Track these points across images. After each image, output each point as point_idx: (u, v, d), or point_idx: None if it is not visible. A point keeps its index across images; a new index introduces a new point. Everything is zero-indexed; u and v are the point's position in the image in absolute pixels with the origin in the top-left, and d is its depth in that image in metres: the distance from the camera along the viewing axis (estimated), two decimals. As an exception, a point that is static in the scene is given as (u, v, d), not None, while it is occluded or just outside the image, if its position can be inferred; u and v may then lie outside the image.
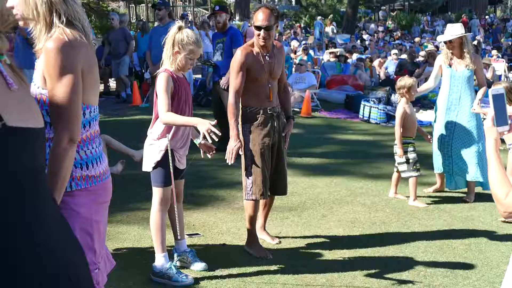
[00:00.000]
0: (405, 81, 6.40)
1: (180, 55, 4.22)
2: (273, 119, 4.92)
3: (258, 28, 4.76)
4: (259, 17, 4.76)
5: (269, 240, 5.27)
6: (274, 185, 5.06)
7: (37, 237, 1.69)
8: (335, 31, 29.44)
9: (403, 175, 6.49)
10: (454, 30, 6.59)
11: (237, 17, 30.30)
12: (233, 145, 4.71)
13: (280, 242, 5.27)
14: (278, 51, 5.01)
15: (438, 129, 6.74)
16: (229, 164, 4.77)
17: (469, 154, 6.56)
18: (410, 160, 6.41)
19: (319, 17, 31.15)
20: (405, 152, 6.41)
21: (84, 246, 2.64)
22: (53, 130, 2.59)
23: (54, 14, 2.57)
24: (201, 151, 4.62)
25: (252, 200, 4.89)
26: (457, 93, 6.62)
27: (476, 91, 6.65)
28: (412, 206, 6.33)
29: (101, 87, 15.12)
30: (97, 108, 2.81)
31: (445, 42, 6.68)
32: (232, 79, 4.81)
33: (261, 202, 5.15)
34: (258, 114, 4.85)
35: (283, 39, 24.23)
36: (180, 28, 4.25)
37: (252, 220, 5.00)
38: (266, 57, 4.86)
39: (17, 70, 1.76)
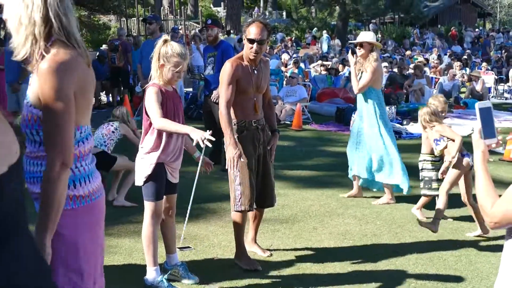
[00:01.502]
0: (433, 99, 6.37)
1: (165, 68, 4.24)
2: (258, 131, 4.94)
3: (252, 41, 4.78)
4: (253, 31, 4.78)
5: (260, 253, 5.27)
6: (262, 198, 5.07)
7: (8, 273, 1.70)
8: (340, 44, 29.69)
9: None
10: (366, 36, 6.84)
11: (232, 31, 30.45)
12: (233, 152, 4.68)
13: (271, 255, 5.28)
14: (264, 65, 5.04)
15: (352, 136, 7.16)
16: (232, 172, 4.76)
17: (367, 160, 6.90)
18: (426, 178, 6.29)
19: (324, 32, 31.55)
20: (421, 170, 6.33)
21: (70, 269, 2.59)
22: (41, 148, 2.56)
23: (50, 31, 2.51)
24: (199, 167, 4.64)
25: (241, 211, 4.89)
26: (360, 101, 6.97)
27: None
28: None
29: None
30: (89, 128, 2.74)
31: (355, 45, 6.90)
32: (223, 91, 4.81)
33: (251, 214, 5.16)
34: (244, 127, 4.88)
35: (274, 52, 24.33)
36: (165, 42, 4.27)
37: (240, 232, 5.00)
38: (254, 70, 4.89)
39: None
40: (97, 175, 2.82)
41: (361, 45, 6.79)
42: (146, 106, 4.26)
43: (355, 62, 6.94)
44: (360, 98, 6.99)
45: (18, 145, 1.82)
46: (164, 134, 4.26)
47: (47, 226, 2.46)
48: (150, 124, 4.26)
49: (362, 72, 6.84)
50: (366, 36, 6.86)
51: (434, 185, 6.25)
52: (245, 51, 4.88)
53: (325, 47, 28.83)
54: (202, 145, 3.96)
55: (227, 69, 4.83)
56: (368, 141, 6.91)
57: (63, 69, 2.46)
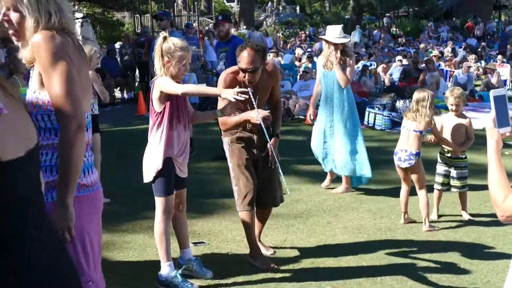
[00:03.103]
0: (447, 92, 6.27)
1: (170, 64, 4.23)
2: (253, 133, 4.84)
3: (244, 70, 4.66)
4: (245, 59, 4.63)
5: (263, 251, 5.16)
6: (262, 198, 5.00)
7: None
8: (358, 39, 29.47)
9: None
10: (339, 33, 6.91)
11: (243, 26, 30.41)
12: (254, 114, 4.44)
13: (275, 252, 5.24)
14: (268, 74, 4.87)
15: (319, 129, 7.26)
16: (268, 123, 4.58)
17: (344, 151, 7.03)
18: (437, 172, 6.27)
19: (357, 26, 31.37)
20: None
21: (78, 256, 2.63)
22: (47, 135, 2.60)
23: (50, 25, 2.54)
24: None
25: (240, 211, 4.89)
26: (331, 91, 7.05)
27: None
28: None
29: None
30: (89, 115, 2.75)
31: (334, 44, 6.88)
32: (220, 103, 4.66)
33: (256, 213, 5.10)
34: (238, 129, 4.82)
35: (288, 47, 24.29)
36: (165, 38, 4.27)
37: (249, 231, 4.94)
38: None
39: (4, 84, 1.75)
40: (95, 170, 2.87)
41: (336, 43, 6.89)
42: (154, 94, 4.27)
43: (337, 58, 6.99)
44: (332, 90, 7.04)
45: (36, 132, 1.85)
46: (167, 128, 4.27)
47: (68, 187, 2.51)
48: (157, 117, 4.28)
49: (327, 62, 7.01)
50: (338, 32, 6.91)
51: (442, 180, 6.23)
52: (241, 76, 4.74)
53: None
54: (239, 98, 4.00)
55: (220, 82, 4.79)
56: (337, 133, 7.07)
57: (56, 38, 2.49)
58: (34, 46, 2.50)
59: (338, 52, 6.85)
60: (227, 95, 4.04)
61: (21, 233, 1.70)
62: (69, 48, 2.54)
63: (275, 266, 4.87)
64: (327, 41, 6.96)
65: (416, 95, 5.94)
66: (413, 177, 5.92)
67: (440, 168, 6.20)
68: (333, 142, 7.12)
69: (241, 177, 4.82)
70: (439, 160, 6.23)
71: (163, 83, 4.21)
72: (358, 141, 7.09)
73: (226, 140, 4.91)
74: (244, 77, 4.69)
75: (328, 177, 7.48)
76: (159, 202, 4.40)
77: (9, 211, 1.66)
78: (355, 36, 29.36)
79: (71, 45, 2.58)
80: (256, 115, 4.36)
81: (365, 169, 7.04)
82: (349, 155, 7.02)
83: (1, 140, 1.62)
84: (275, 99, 5.10)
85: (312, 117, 7.35)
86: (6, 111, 1.65)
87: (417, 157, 5.80)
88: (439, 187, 6.22)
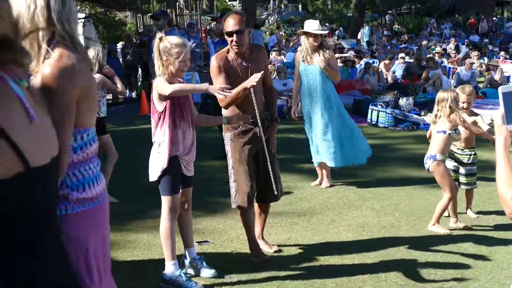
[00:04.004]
0: (458, 90, 6.11)
1: (169, 62, 4.26)
2: (255, 127, 4.83)
3: (230, 33, 4.70)
4: (230, 23, 4.70)
5: (266, 248, 5.18)
6: (263, 193, 5.00)
7: (34, 275, 1.72)
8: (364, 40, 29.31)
9: None
10: (317, 26, 7.03)
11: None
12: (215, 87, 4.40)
13: (279, 250, 5.24)
14: (257, 53, 4.92)
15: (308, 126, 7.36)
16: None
17: (329, 143, 7.10)
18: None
19: (365, 24, 31.26)
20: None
21: (80, 272, 2.56)
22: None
23: (53, 35, 2.42)
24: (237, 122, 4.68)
25: (237, 208, 4.91)
26: (313, 85, 7.11)
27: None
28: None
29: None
30: (94, 129, 2.67)
31: (314, 36, 6.96)
32: (215, 85, 4.67)
33: (256, 210, 5.13)
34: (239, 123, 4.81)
35: (290, 45, 24.27)
36: (161, 39, 4.32)
37: (247, 227, 4.97)
38: (243, 62, 4.79)
39: (33, 90, 1.74)
40: (102, 178, 2.79)
41: (315, 35, 6.95)
42: (154, 95, 4.30)
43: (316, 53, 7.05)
44: (315, 84, 7.09)
45: (57, 139, 1.85)
46: (170, 127, 4.29)
47: None
48: (159, 117, 4.30)
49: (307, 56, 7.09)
50: (317, 25, 7.02)
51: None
52: (229, 46, 4.79)
53: (365, 39, 28.42)
54: (219, 96, 4.24)
55: (212, 64, 4.80)
56: (331, 125, 7.12)
57: (66, 76, 2.39)
58: (42, 79, 2.38)
59: (317, 44, 6.93)
60: (212, 90, 4.20)
61: (35, 239, 1.71)
62: (76, 83, 2.43)
63: (267, 257, 4.94)
64: (306, 34, 7.01)
65: (437, 96, 5.85)
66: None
67: (449, 163, 6.16)
68: (326, 136, 7.16)
69: (241, 174, 4.82)
70: (448, 156, 6.19)
71: (157, 84, 4.26)
72: (352, 125, 7.21)
73: (228, 136, 4.89)
74: (232, 41, 4.70)
75: (319, 175, 7.49)
76: (165, 201, 4.41)
77: (29, 217, 1.67)
78: (365, 34, 29.29)
79: (81, 66, 2.45)
80: (249, 82, 4.40)
81: (362, 147, 7.24)
82: (347, 143, 7.14)
83: (31, 147, 1.63)
84: (267, 84, 5.08)
85: (296, 114, 7.45)
86: (38, 120, 1.66)
87: (432, 160, 5.70)
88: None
